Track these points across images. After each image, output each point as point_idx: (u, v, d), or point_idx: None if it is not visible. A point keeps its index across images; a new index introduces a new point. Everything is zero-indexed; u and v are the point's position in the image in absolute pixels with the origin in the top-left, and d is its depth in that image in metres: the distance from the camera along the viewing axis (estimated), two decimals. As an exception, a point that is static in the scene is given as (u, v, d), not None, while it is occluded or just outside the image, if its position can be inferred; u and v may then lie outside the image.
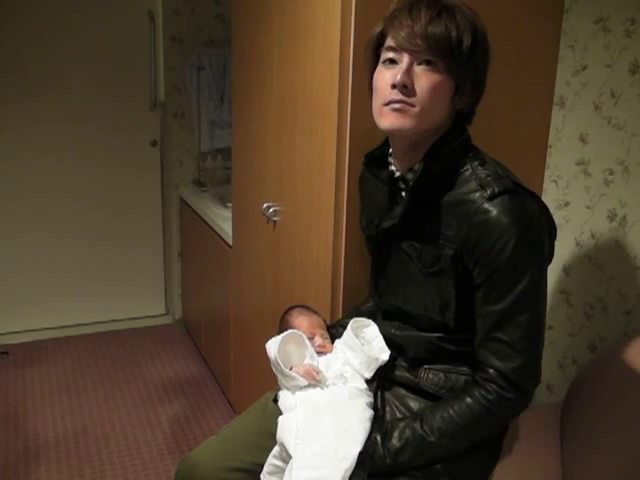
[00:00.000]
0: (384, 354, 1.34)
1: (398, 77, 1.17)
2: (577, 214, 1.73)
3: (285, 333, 1.37)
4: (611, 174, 1.62)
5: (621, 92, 1.58)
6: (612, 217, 1.63)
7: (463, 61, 1.17)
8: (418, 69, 1.17)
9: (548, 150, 1.80)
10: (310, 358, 1.35)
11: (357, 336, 1.37)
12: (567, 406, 1.51)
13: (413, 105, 1.18)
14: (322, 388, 1.31)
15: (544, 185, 1.82)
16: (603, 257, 1.67)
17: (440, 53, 1.15)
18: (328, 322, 1.58)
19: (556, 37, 1.73)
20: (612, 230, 1.63)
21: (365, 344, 1.36)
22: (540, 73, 1.74)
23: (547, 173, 1.81)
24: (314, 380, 1.30)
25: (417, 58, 1.17)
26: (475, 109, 1.27)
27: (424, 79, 1.17)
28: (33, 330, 3.43)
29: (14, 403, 2.82)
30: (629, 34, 1.54)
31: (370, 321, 1.40)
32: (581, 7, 1.66)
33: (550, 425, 1.51)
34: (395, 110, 1.19)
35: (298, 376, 1.30)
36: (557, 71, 1.75)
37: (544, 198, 1.80)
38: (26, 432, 2.61)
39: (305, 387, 1.32)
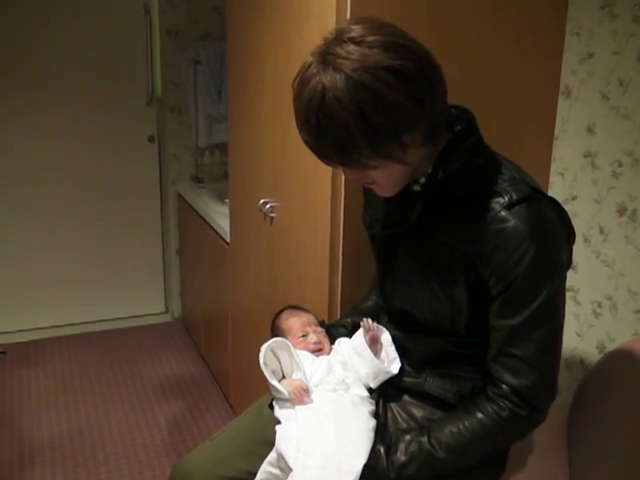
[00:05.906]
0: (394, 366, 1.29)
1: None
2: (584, 208, 1.70)
3: (270, 342, 1.31)
4: (620, 166, 1.59)
5: (629, 80, 1.54)
6: (621, 211, 1.60)
7: (370, 141, 1.04)
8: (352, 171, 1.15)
9: (554, 142, 1.77)
10: (297, 369, 1.29)
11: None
12: (574, 408, 1.49)
13: (379, 182, 1.16)
14: (312, 401, 1.25)
15: (550, 178, 1.79)
16: (612, 253, 1.63)
17: (344, 161, 1.11)
18: (326, 320, 1.55)
19: (561, 24, 1.69)
20: (621, 225, 1.60)
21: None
22: (545, 62, 1.70)
23: (553, 166, 1.78)
24: (300, 402, 1.23)
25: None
26: (445, 104, 1.13)
27: (366, 174, 1.14)
28: (31, 329, 3.42)
29: (10, 404, 2.80)
30: (637, 19, 1.51)
31: (384, 329, 1.34)
32: (587, -8, 1.64)
33: (557, 427, 1.49)
34: (369, 184, 1.19)
35: (284, 391, 1.24)
36: (562, 59, 1.72)
37: (550, 192, 1.77)
38: (21, 433, 2.58)
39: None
